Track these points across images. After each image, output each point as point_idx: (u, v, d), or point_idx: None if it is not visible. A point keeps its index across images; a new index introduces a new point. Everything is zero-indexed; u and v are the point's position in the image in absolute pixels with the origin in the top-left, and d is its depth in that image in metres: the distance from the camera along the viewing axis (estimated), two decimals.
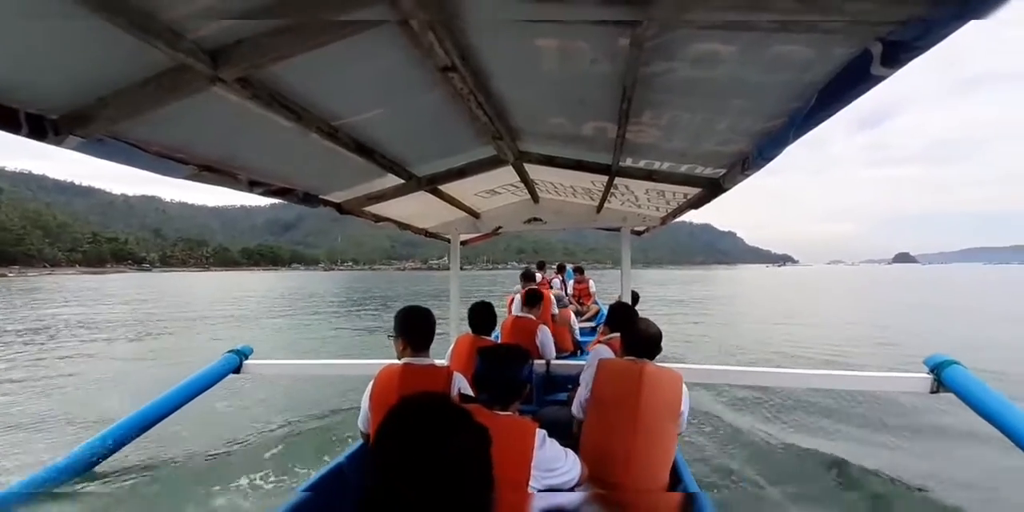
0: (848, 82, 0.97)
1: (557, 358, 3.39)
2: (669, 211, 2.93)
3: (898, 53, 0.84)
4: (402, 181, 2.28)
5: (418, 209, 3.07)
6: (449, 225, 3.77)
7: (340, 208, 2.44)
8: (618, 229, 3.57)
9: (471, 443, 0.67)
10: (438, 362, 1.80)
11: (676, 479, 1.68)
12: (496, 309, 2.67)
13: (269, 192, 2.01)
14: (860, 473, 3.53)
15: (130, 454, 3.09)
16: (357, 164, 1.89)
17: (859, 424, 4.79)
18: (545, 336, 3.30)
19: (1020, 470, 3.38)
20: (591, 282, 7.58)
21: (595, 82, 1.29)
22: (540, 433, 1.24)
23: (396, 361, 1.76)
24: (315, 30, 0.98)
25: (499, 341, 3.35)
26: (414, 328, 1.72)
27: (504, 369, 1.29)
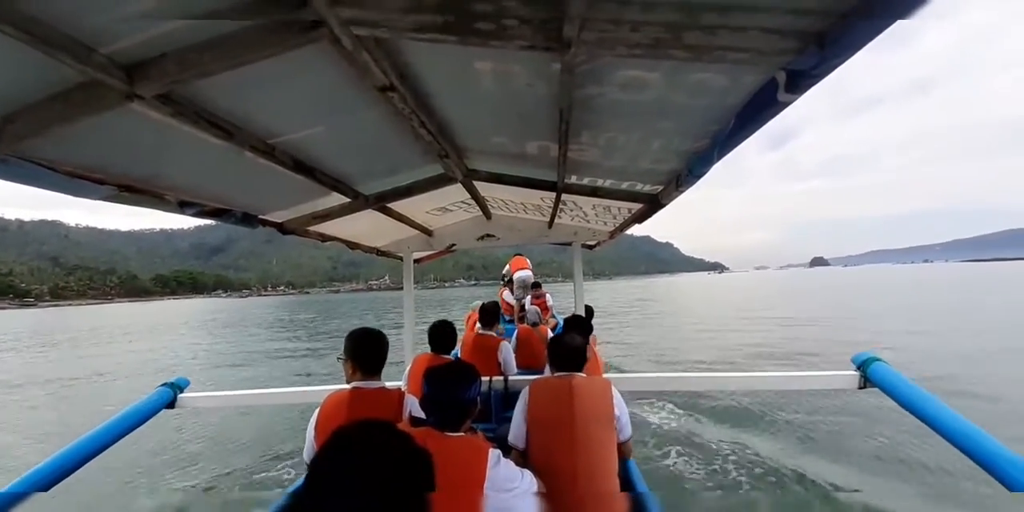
0: (759, 107, 1.06)
1: (531, 374, 3.36)
2: (616, 225, 3.03)
3: (799, 81, 0.93)
4: (348, 199, 2.22)
5: (368, 227, 3.00)
6: (401, 243, 3.70)
7: (282, 228, 2.34)
8: (570, 244, 3.65)
9: (409, 472, 0.64)
10: (391, 384, 1.74)
11: (629, 487, 1.69)
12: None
13: (203, 213, 1.89)
14: (798, 474, 3.74)
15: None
16: (298, 183, 1.82)
17: (794, 422, 5.15)
18: (507, 353, 3.28)
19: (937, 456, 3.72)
20: (548, 296, 7.64)
21: (533, 103, 1.33)
22: (494, 453, 1.22)
23: (344, 386, 1.68)
24: (242, 46, 0.95)
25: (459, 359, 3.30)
26: (363, 350, 1.65)
27: (451, 390, 1.25)
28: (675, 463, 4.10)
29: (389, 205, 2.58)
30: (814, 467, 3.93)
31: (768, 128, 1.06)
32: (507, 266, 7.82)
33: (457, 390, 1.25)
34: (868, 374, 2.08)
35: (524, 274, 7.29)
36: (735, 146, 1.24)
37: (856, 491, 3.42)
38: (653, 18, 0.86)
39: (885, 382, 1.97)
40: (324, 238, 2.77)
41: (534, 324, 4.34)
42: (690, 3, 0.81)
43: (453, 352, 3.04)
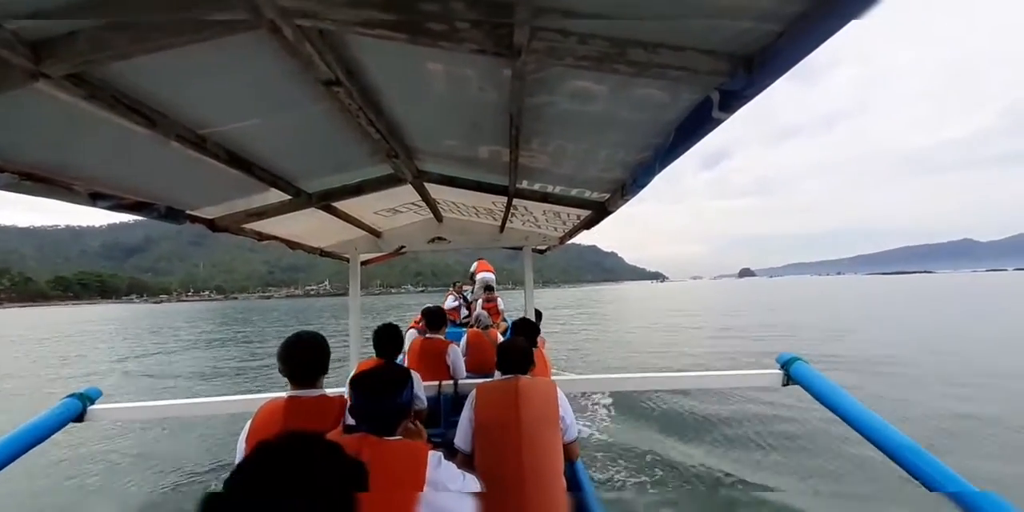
0: (696, 123, 1.13)
1: (482, 377, 3.33)
2: (566, 231, 3.10)
3: (731, 100, 1.00)
4: (289, 197, 2.11)
5: (311, 227, 2.86)
6: (348, 244, 3.57)
7: (213, 225, 2.18)
8: (521, 248, 3.68)
9: (337, 486, 0.61)
10: (332, 391, 1.66)
11: (575, 488, 1.71)
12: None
13: (120, 207, 1.72)
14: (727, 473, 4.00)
15: None
16: (232, 177, 1.70)
17: (725, 420, 5.56)
18: (456, 356, 3.23)
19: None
20: (500, 300, 7.68)
21: (485, 108, 1.34)
22: (434, 455, 1.19)
23: (280, 394, 1.59)
24: (166, 29, 0.87)
25: (405, 364, 3.21)
26: (297, 357, 1.56)
27: (378, 397, 1.20)
28: (612, 464, 4.25)
29: (335, 204, 2.48)
30: (739, 466, 4.22)
31: (704, 149, 1.14)
32: (474, 265, 8.10)
33: (384, 397, 1.20)
34: (790, 372, 2.25)
35: (489, 276, 7.70)
36: (675, 159, 1.31)
37: (771, 490, 3.71)
38: (599, 31, 0.89)
39: (805, 379, 2.14)
40: (261, 237, 2.61)
41: (485, 327, 4.33)
42: (633, 20, 0.85)
43: (400, 358, 2.96)
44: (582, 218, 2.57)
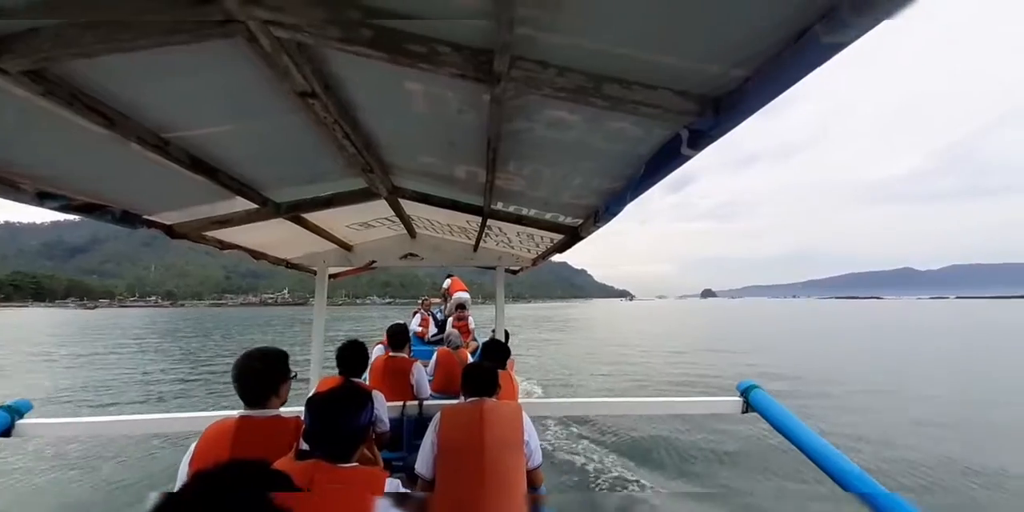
0: (666, 158, 1.16)
1: (450, 398, 3.22)
2: (539, 253, 3.11)
3: (699, 139, 1.04)
4: (256, 206, 2.04)
5: (278, 237, 2.77)
6: (316, 257, 3.46)
7: (171, 231, 2.08)
8: (494, 267, 3.66)
9: None
10: (288, 412, 1.57)
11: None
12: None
13: (69, 208, 1.61)
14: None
15: None
16: (196, 183, 1.64)
17: (684, 446, 5.62)
18: (420, 375, 3.14)
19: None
20: (471, 319, 7.58)
21: (463, 129, 1.34)
22: (391, 482, 1.13)
23: (231, 413, 1.49)
24: (138, 28, 0.84)
25: (367, 383, 3.09)
26: (248, 376, 1.47)
27: (335, 420, 1.14)
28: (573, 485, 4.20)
29: (304, 215, 2.41)
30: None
31: (672, 174, 1.17)
32: (447, 282, 8.15)
33: (341, 419, 1.14)
34: (749, 400, 2.29)
35: (464, 295, 7.78)
36: (645, 190, 1.34)
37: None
38: (576, 66, 0.92)
39: (762, 407, 2.19)
40: (223, 246, 2.51)
41: (455, 347, 4.24)
42: (609, 56, 0.88)
43: (364, 376, 2.85)
44: (555, 241, 2.59)
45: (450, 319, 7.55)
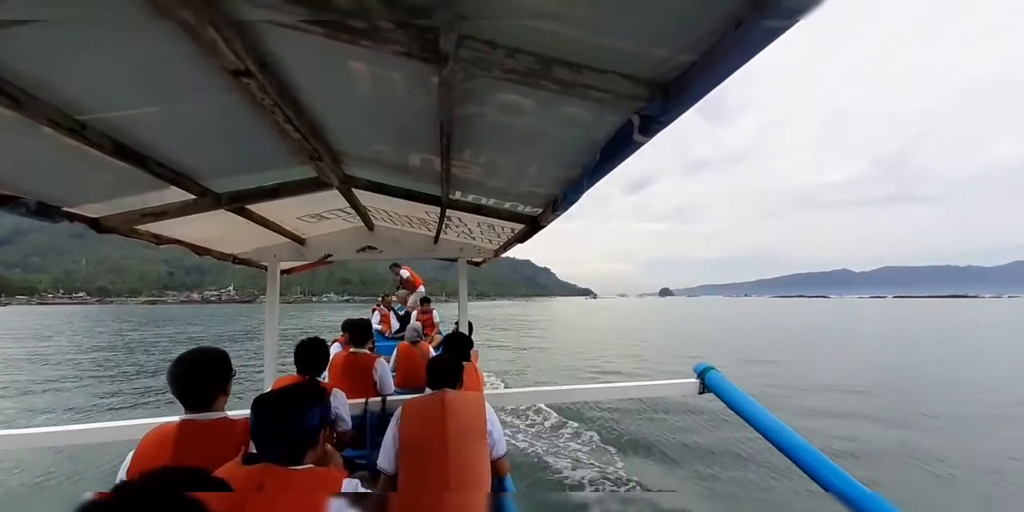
0: (619, 144, 1.17)
1: (412, 393, 3.16)
2: (500, 244, 3.09)
3: (650, 125, 1.04)
4: (194, 197, 1.90)
5: (222, 231, 2.60)
6: (266, 251, 3.29)
7: (97, 224, 1.90)
8: (455, 259, 3.62)
9: None
10: (236, 414, 1.48)
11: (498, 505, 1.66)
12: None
13: None
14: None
15: None
16: (122, 172, 1.50)
17: (644, 428, 5.91)
18: (384, 371, 3.07)
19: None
20: (435, 312, 7.52)
21: (414, 114, 1.29)
22: (349, 483, 1.09)
23: (173, 418, 1.39)
24: None
25: (327, 381, 2.99)
26: (180, 382, 1.37)
27: (282, 420, 1.08)
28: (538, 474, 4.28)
29: (249, 207, 2.28)
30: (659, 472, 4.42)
31: (630, 174, 1.21)
32: (406, 273, 8.22)
33: (289, 419, 1.08)
34: (706, 381, 2.39)
35: (422, 289, 8.05)
36: (601, 177, 1.34)
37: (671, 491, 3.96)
38: (526, 47, 0.90)
39: (718, 388, 2.29)
40: (160, 240, 2.33)
41: (414, 342, 4.18)
42: (558, 38, 0.86)
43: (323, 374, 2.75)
44: (516, 231, 2.57)
45: (414, 313, 7.47)
